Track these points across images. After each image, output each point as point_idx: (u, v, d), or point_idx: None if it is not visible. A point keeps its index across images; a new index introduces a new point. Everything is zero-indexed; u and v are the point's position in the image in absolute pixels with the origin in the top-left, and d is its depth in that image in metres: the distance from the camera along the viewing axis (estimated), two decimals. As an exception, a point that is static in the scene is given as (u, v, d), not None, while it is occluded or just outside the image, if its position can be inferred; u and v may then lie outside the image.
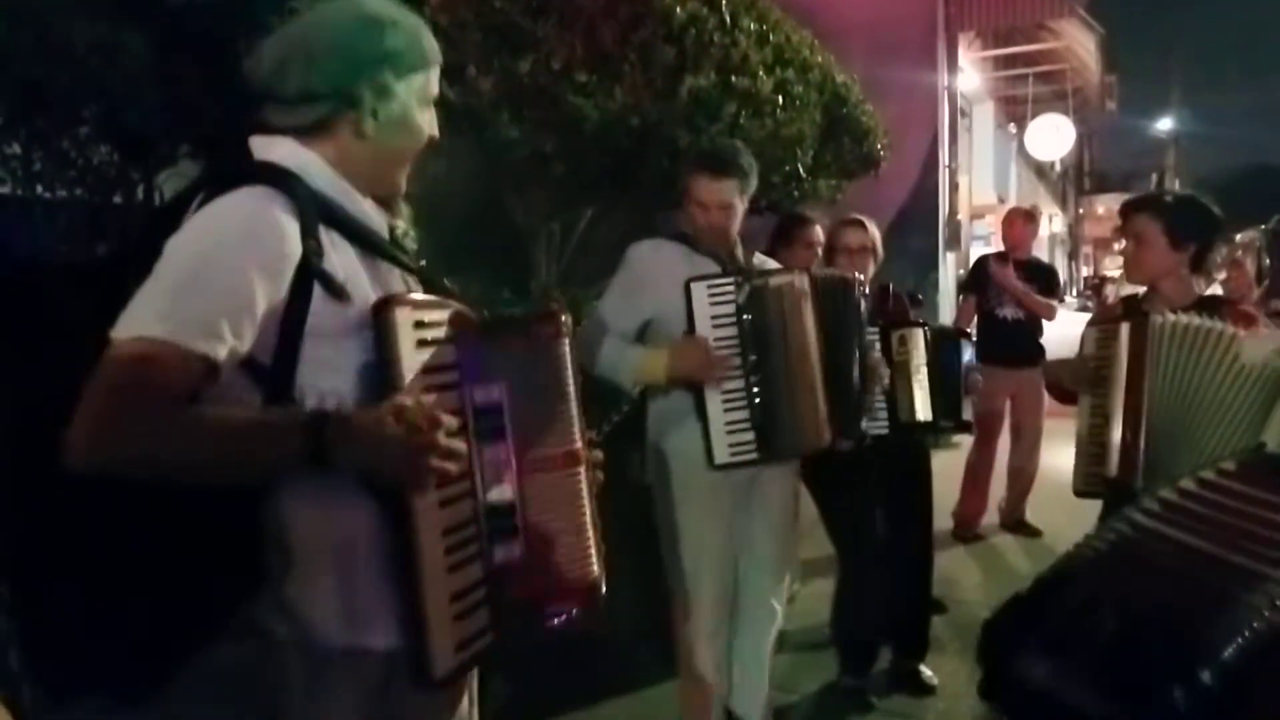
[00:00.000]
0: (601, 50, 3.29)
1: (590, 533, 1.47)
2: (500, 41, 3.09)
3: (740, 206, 2.53)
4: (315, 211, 1.26)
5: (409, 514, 1.24)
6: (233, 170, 1.29)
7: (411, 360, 1.26)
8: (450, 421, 1.24)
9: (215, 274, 1.17)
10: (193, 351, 1.13)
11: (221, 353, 1.16)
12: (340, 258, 1.30)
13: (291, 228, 1.23)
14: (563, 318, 1.45)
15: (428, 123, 1.44)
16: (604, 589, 1.48)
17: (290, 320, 1.23)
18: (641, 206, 4.12)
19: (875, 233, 3.34)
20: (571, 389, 1.46)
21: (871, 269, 3.32)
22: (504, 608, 1.37)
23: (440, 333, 1.32)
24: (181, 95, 2.59)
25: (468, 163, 3.51)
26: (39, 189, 2.84)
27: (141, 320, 1.13)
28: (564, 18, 3.18)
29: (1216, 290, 4.65)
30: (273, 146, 1.33)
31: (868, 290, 2.89)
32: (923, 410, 3.20)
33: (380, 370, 1.24)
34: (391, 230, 1.48)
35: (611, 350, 2.47)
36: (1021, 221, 5.43)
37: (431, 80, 1.43)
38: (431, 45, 1.42)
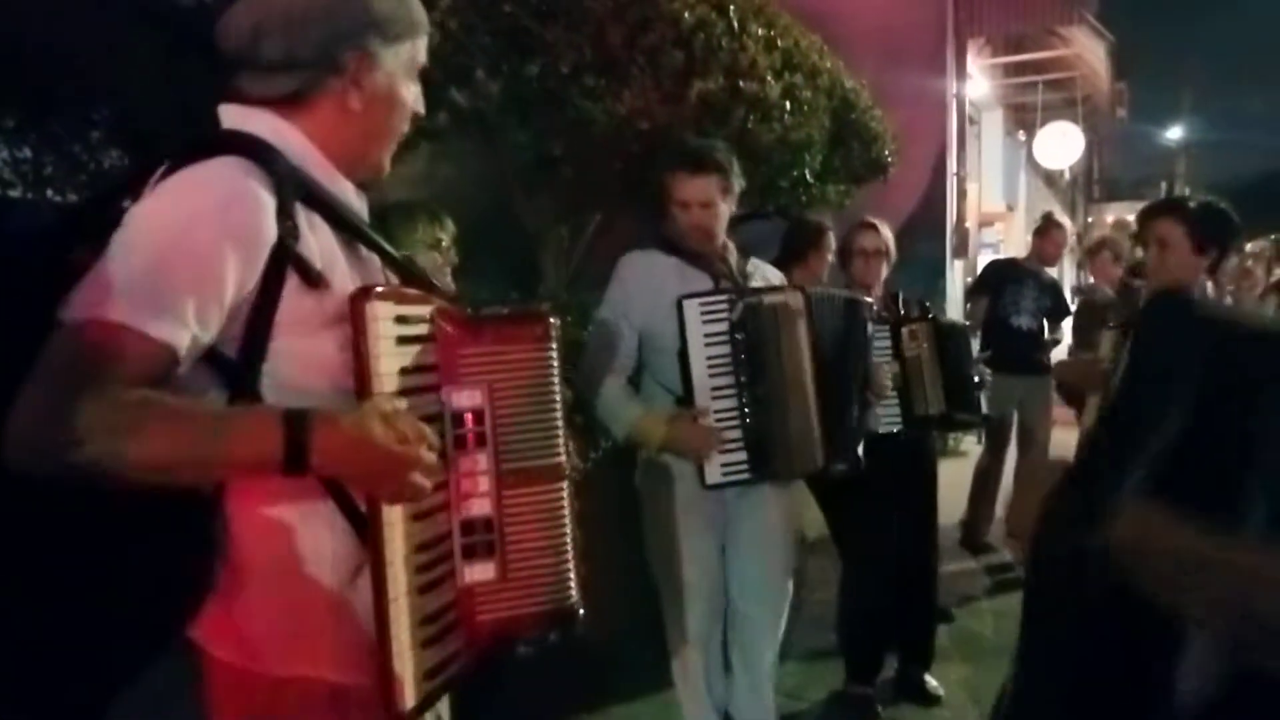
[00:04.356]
0: (610, 54, 3.29)
1: (570, 554, 1.34)
2: (509, 45, 3.10)
3: (724, 207, 2.47)
4: (293, 189, 1.14)
5: (379, 530, 1.12)
6: (204, 139, 1.15)
7: (391, 359, 1.14)
8: (434, 437, 1.13)
9: (184, 251, 1.04)
10: (154, 338, 1.01)
11: (185, 341, 1.04)
12: (319, 242, 1.17)
13: (269, 205, 1.10)
14: (550, 320, 1.32)
15: (414, 97, 1.32)
16: (581, 613, 1.36)
17: (260, 309, 1.11)
18: (650, 210, 4.11)
19: (889, 235, 3.35)
20: (557, 397, 1.33)
21: (885, 271, 3.34)
22: (476, 631, 1.25)
23: (423, 329, 1.21)
24: (193, 99, 2.60)
25: (476, 166, 3.53)
26: (50, 193, 2.85)
27: (98, 299, 1.00)
28: (572, 21, 3.18)
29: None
30: (249, 117, 1.19)
31: (874, 305, 2.86)
32: (935, 403, 3.19)
33: (355, 368, 1.12)
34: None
35: (611, 397, 2.44)
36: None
37: (419, 49, 1.32)
38: (419, 12, 1.31)
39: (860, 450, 2.65)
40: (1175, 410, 0.81)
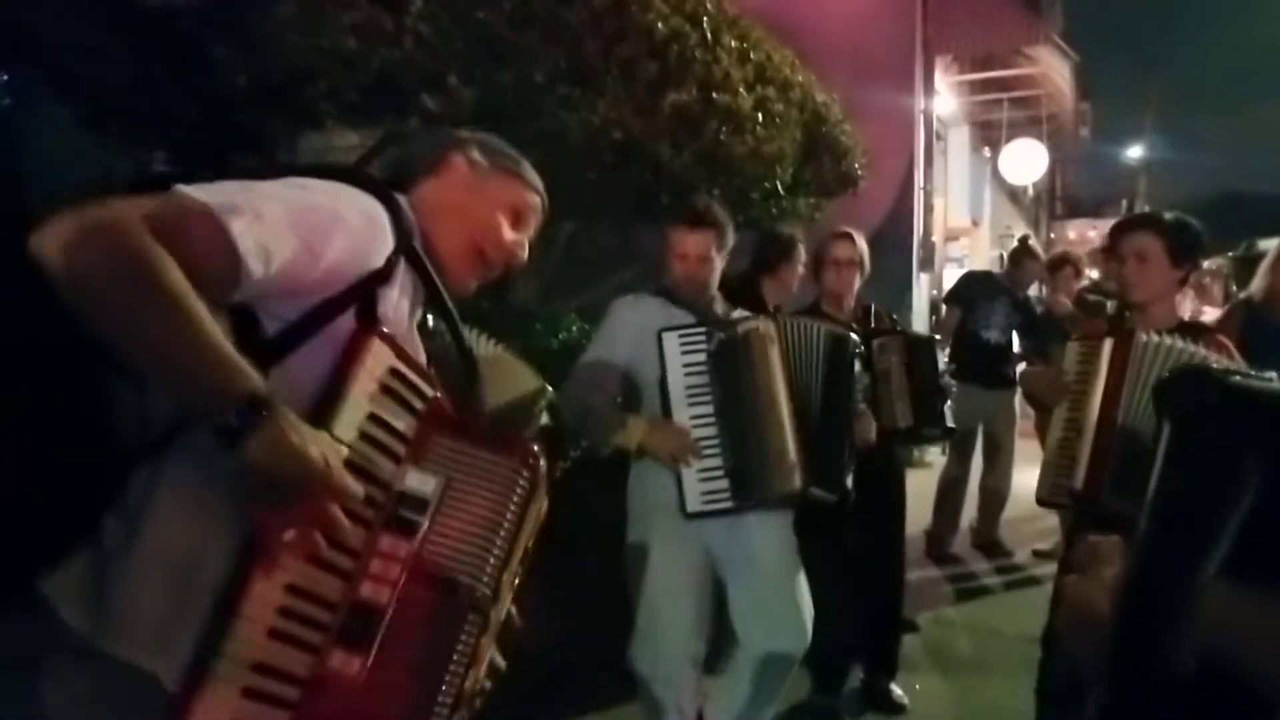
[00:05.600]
0: (584, 64, 3.30)
1: (446, 689, 1.18)
2: (483, 52, 3.09)
3: (718, 261, 2.60)
4: (404, 242, 1.26)
5: (260, 542, 1.04)
6: (352, 171, 1.31)
7: (363, 398, 1.14)
8: (359, 492, 1.09)
9: (313, 210, 1.14)
10: (236, 249, 1.03)
11: (257, 272, 1.06)
12: (398, 304, 1.27)
13: (389, 239, 1.23)
14: (538, 459, 1.28)
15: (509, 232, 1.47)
16: None
17: (319, 314, 1.15)
18: (623, 220, 4.12)
19: (863, 246, 3.36)
20: (508, 533, 1.24)
21: (858, 282, 3.35)
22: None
23: (414, 400, 1.21)
24: (159, 101, 2.57)
25: (448, 174, 3.50)
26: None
27: (215, 193, 1.05)
28: (547, 30, 3.18)
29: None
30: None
31: (858, 345, 2.78)
32: (904, 417, 3.21)
33: (327, 386, 1.12)
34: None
35: (601, 409, 2.46)
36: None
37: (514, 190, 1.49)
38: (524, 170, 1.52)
39: (848, 480, 2.63)
40: (1242, 489, 0.79)
